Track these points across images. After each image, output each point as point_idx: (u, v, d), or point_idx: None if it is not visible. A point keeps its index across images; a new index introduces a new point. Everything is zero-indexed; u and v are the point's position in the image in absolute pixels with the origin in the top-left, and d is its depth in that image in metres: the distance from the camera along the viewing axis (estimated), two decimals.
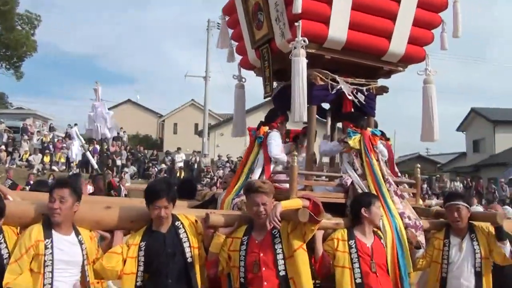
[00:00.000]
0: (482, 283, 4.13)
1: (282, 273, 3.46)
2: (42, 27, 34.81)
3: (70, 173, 17.97)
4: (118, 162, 22.34)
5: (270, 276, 3.45)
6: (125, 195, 11.71)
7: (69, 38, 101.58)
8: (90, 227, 3.55)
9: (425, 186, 22.76)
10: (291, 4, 4.39)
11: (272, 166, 4.61)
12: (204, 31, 30.38)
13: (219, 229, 3.61)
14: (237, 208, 4.24)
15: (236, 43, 5.86)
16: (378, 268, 3.82)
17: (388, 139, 5.07)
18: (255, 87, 5.49)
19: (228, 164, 24.17)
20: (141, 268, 3.46)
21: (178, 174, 22.12)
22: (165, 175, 21.95)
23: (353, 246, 3.85)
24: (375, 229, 4.03)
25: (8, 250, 3.25)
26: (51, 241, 3.21)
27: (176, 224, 3.57)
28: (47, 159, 21.46)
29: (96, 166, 14.07)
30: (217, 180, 20.29)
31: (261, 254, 3.49)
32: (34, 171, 19.47)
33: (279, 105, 5.19)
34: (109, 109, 8.58)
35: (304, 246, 3.55)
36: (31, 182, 13.48)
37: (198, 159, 24.75)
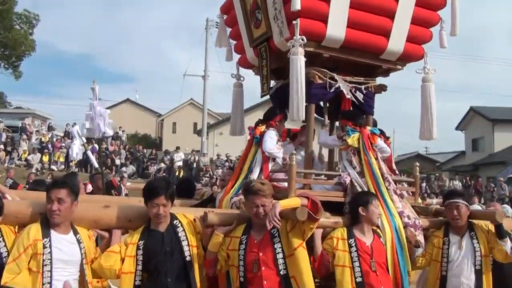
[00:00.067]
0: (482, 281, 4.12)
1: (282, 272, 3.46)
2: (40, 26, 34.83)
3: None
4: (117, 162, 22.34)
5: (270, 275, 3.45)
6: (126, 195, 11.71)
7: (67, 37, 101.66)
8: (88, 226, 3.55)
9: (424, 185, 22.77)
10: (289, 2, 4.37)
11: (270, 165, 4.61)
12: (203, 30, 30.39)
13: (217, 228, 3.60)
14: (235, 207, 4.23)
15: (235, 42, 5.85)
16: (378, 267, 3.82)
17: (387, 138, 5.06)
18: (254, 86, 5.49)
19: (227, 164, 24.17)
20: (140, 267, 3.46)
21: (177, 173, 22.08)
22: (164, 174, 21.96)
23: (353, 245, 3.84)
24: (374, 228, 4.02)
25: (7, 248, 3.26)
26: (50, 240, 3.21)
27: (174, 222, 3.57)
28: (46, 158, 21.46)
29: (97, 166, 14.04)
30: (216, 179, 20.27)
31: (261, 254, 3.49)
32: (33, 170, 19.45)
33: (277, 103, 5.18)
34: (107, 108, 8.57)
35: (304, 244, 3.54)
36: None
37: (197, 158, 24.73)
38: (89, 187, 7.66)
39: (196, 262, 3.57)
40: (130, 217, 3.65)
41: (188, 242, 3.54)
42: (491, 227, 4.20)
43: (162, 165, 23.98)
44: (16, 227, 3.43)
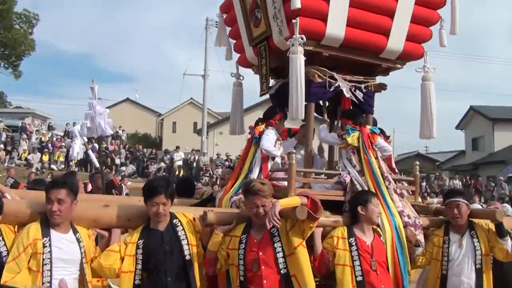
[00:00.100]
0: (483, 280, 4.12)
1: (283, 271, 3.46)
2: (40, 26, 34.86)
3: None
4: (117, 161, 22.34)
5: (270, 275, 3.45)
6: (127, 194, 11.70)
7: (67, 37, 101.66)
8: (88, 225, 3.55)
9: (424, 184, 22.76)
10: (289, 1, 4.37)
11: (269, 164, 4.60)
12: (203, 30, 30.40)
13: (217, 227, 3.60)
14: (235, 206, 4.22)
15: (234, 41, 5.84)
16: (379, 266, 3.82)
17: (387, 137, 5.06)
18: (254, 86, 5.48)
19: (227, 163, 24.18)
20: (139, 266, 3.46)
21: (177, 173, 22.10)
22: (164, 173, 21.97)
23: (353, 244, 3.84)
24: (374, 227, 4.02)
25: (7, 248, 3.25)
26: (49, 240, 3.21)
27: (174, 222, 3.57)
28: (46, 158, 21.46)
29: (98, 165, 14.04)
30: (216, 178, 20.28)
31: (260, 253, 3.49)
32: (33, 170, 19.45)
33: (277, 102, 5.18)
34: (107, 107, 8.57)
35: (304, 243, 3.54)
36: None
37: (197, 158, 24.74)
38: (90, 187, 7.67)
39: (196, 261, 3.56)
40: (129, 216, 3.65)
41: (187, 241, 3.54)
42: (492, 226, 4.21)
43: (162, 164, 23.99)
44: (16, 226, 3.42)
